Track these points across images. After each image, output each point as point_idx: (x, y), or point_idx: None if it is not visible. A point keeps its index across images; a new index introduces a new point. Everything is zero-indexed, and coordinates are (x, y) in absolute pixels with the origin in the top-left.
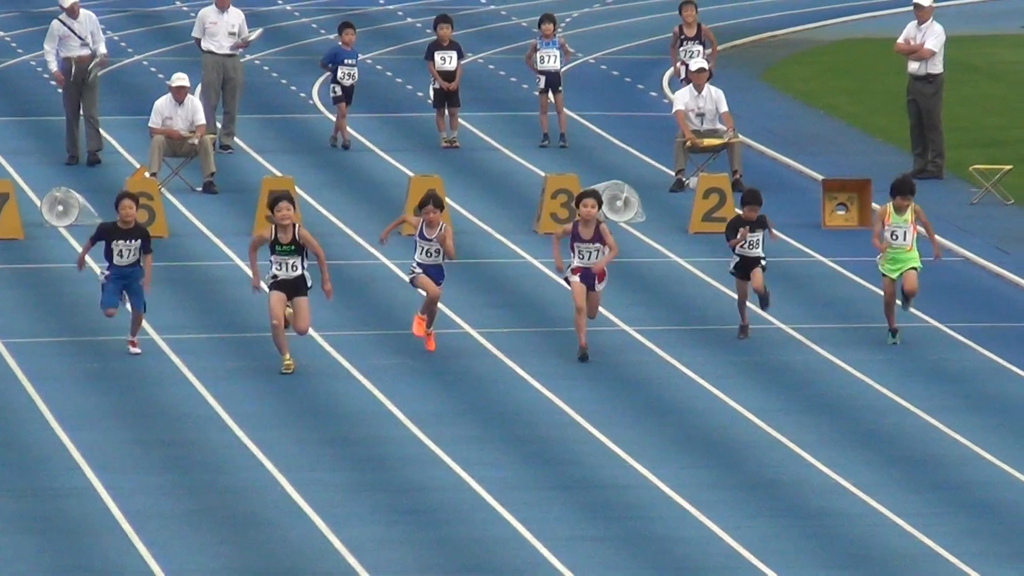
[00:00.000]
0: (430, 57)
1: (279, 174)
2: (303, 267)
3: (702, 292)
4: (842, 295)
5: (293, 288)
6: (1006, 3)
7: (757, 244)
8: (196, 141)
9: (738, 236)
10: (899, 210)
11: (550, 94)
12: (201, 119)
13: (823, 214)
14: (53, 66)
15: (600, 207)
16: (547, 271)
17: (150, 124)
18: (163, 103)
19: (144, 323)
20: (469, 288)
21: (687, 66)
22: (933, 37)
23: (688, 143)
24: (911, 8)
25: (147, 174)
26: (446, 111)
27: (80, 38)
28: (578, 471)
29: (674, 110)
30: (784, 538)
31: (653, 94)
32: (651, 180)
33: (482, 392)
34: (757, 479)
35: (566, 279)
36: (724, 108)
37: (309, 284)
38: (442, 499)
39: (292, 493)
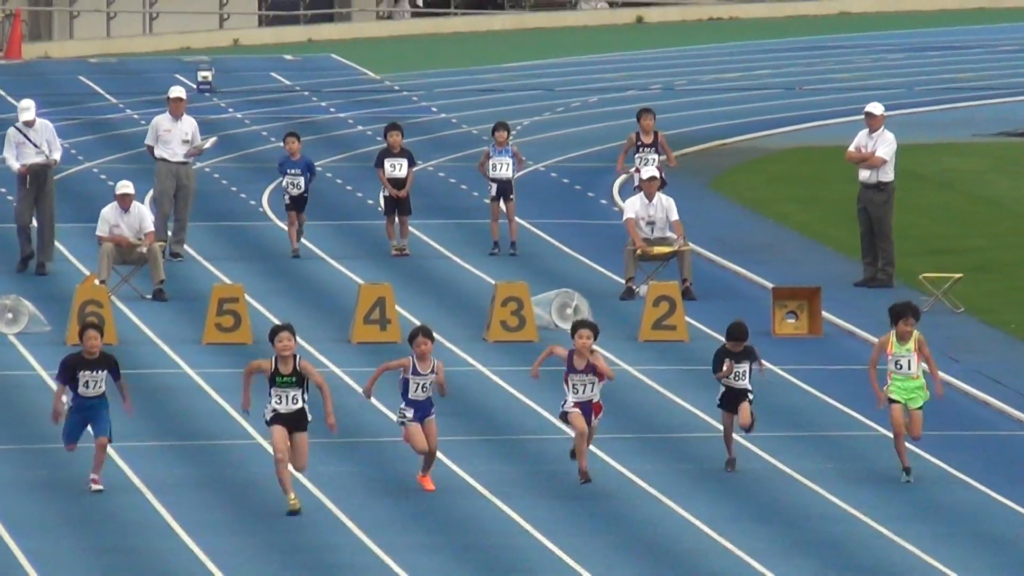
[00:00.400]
0: (380, 165)
1: (229, 281)
2: (304, 400)
3: (652, 399)
4: (792, 403)
5: (294, 423)
6: (957, 112)
7: (743, 376)
8: (145, 249)
9: (724, 368)
10: (902, 338)
11: (501, 202)
12: (149, 226)
13: (773, 322)
14: (15, 166)
15: (595, 338)
16: (496, 379)
17: (97, 232)
18: (109, 211)
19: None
20: None
21: (637, 170)
22: (884, 145)
23: (638, 251)
24: (862, 116)
25: (97, 282)
26: (396, 219)
27: (36, 146)
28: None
29: (625, 218)
30: None
31: (603, 202)
32: (601, 288)
33: (434, 502)
34: None
35: (564, 415)
36: (675, 216)
37: (309, 419)
38: None
39: None
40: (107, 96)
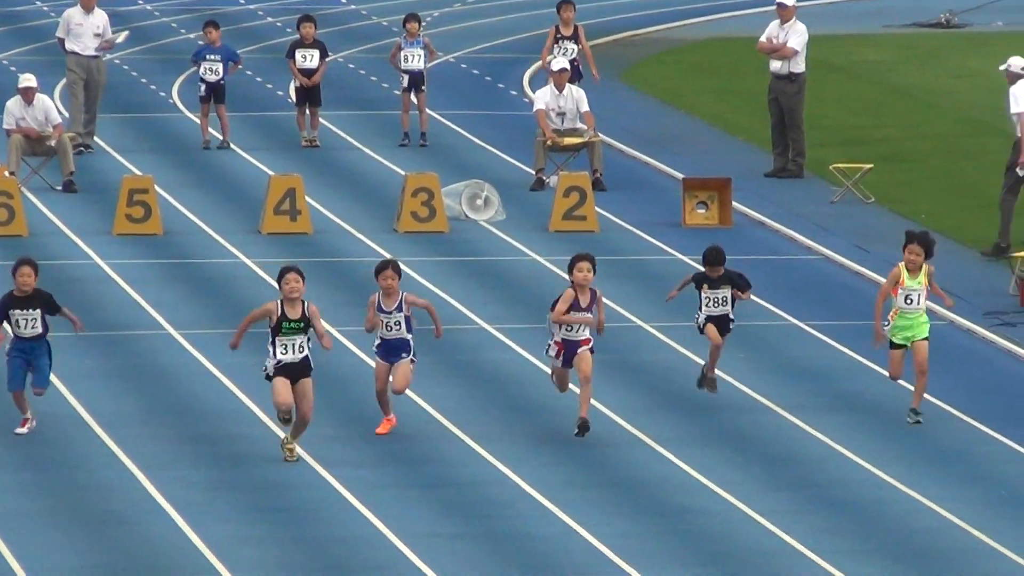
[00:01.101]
0: (291, 56)
1: (139, 173)
2: (308, 347)
3: (561, 289)
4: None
5: (298, 372)
6: (869, 3)
7: (724, 302)
8: (54, 141)
9: (670, 294)
10: (913, 270)
11: (412, 94)
12: (56, 118)
13: (683, 213)
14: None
15: (594, 271)
16: (407, 268)
17: (3, 126)
18: (13, 104)
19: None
20: (328, 287)
21: (554, 58)
22: (796, 36)
23: (548, 142)
24: (774, 7)
25: (6, 173)
26: (307, 110)
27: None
28: (438, 469)
29: (535, 109)
30: (645, 536)
31: (513, 93)
32: (511, 179)
33: (342, 391)
34: (618, 477)
35: (549, 353)
36: (585, 107)
37: (312, 367)
38: (303, 497)
39: (152, 491)
40: None
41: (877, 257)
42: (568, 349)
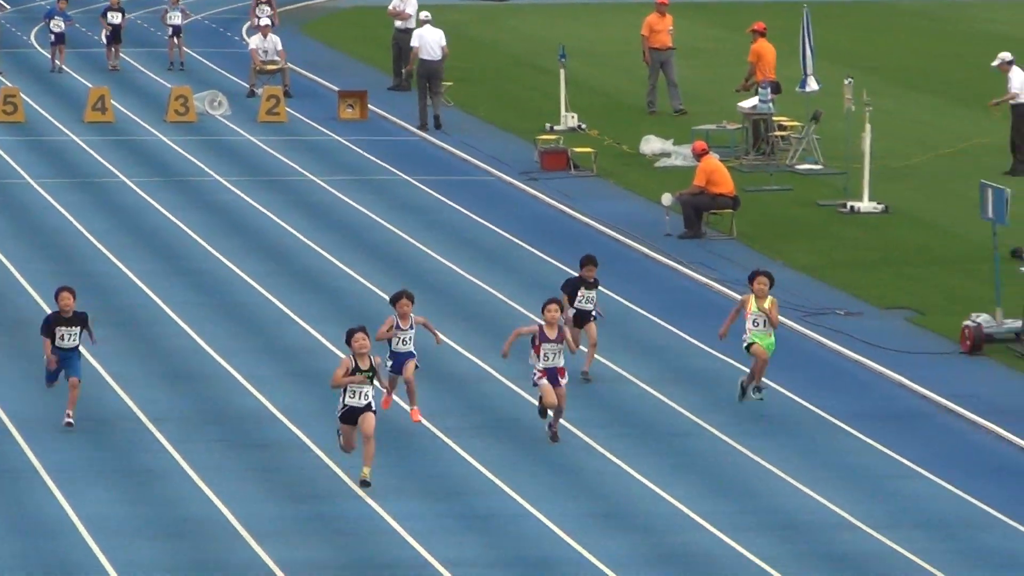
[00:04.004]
0: (104, 15)
1: (10, 85)
2: (371, 396)
3: (267, 160)
4: (353, 162)
5: (362, 412)
6: None
7: (591, 301)
8: None
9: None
10: (759, 297)
11: (175, 39)
12: None
13: (338, 111)
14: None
15: (563, 311)
16: (177, 148)
17: None
18: None
19: None
20: (128, 161)
21: (259, 19)
22: (410, 6)
23: (257, 68)
24: None
25: None
26: (112, 49)
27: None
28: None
29: (250, 48)
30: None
31: (237, 39)
32: (235, 89)
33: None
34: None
35: (535, 384)
36: (280, 47)
37: (374, 409)
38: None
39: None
40: None
41: (453, 139)
42: (550, 375)
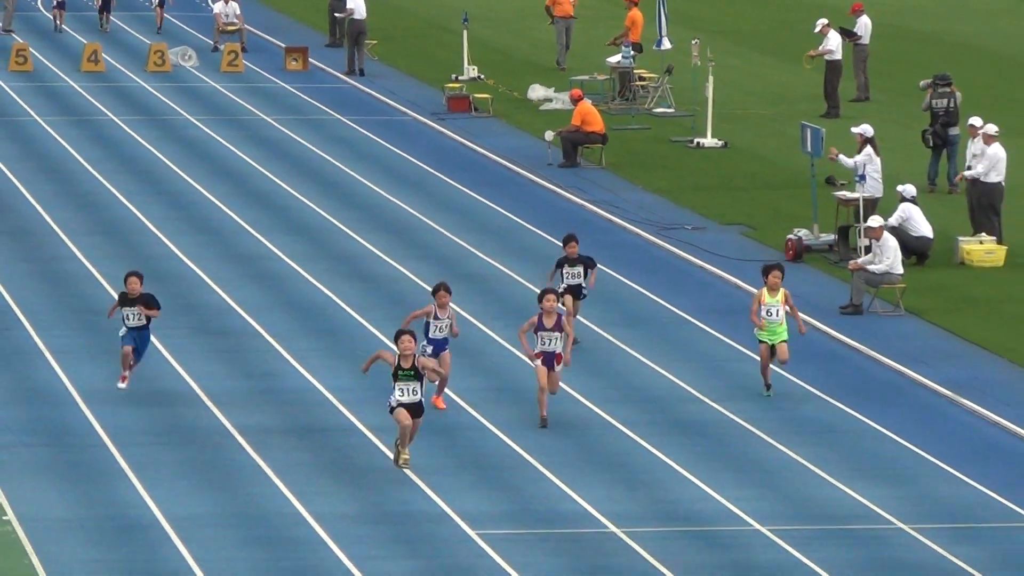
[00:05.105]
0: None
1: None
2: (421, 394)
3: (227, 102)
4: (296, 104)
5: (414, 412)
6: None
7: (578, 276)
8: None
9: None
10: (772, 290)
11: (160, 8)
12: None
13: (285, 63)
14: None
15: (559, 300)
16: (153, 92)
17: None
18: None
19: None
20: (116, 105)
21: None
22: None
23: (220, 28)
24: None
25: None
26: (58, 11)
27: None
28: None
29: (214, 12)
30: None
31: (204, 5)
32: (202, 46)
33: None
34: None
35: (531, 361)
36: (239, 12)
37: (423, 407)
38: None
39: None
40: None
41: (377, 85)
42: (546, 358)
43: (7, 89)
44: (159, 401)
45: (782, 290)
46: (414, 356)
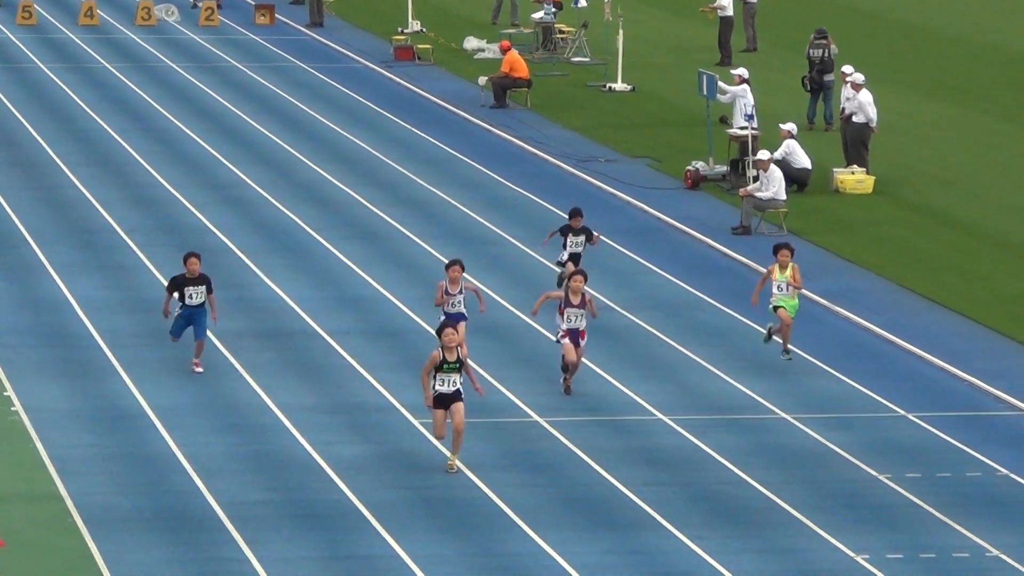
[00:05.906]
0: None
1: None
2: (460, 383)
3: (205, 52)
4: (264, 53)
5: (452, 399)
6: None
7: (580, 245)
8: None
9: (548, 236)
10: (782, 268)
11: None
12: None
13: (254, 18)
14: None
15: (586, 281)
16: (146, 46)
17: None
18: None
19: None
20: (109, 55)
21: None
22: None
23: (193, 3)
24: None
25: None
26: None
27: None
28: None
29: None
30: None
31: None
32: (183, 3)
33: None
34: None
35: (558, 340)
36: None
37: (463, 397)
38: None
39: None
40: None
41: (335, 37)
42: (572, 335)
43: (15, 40)
44: (146, 308)
45: (791, 266)
46: (458, 349)
